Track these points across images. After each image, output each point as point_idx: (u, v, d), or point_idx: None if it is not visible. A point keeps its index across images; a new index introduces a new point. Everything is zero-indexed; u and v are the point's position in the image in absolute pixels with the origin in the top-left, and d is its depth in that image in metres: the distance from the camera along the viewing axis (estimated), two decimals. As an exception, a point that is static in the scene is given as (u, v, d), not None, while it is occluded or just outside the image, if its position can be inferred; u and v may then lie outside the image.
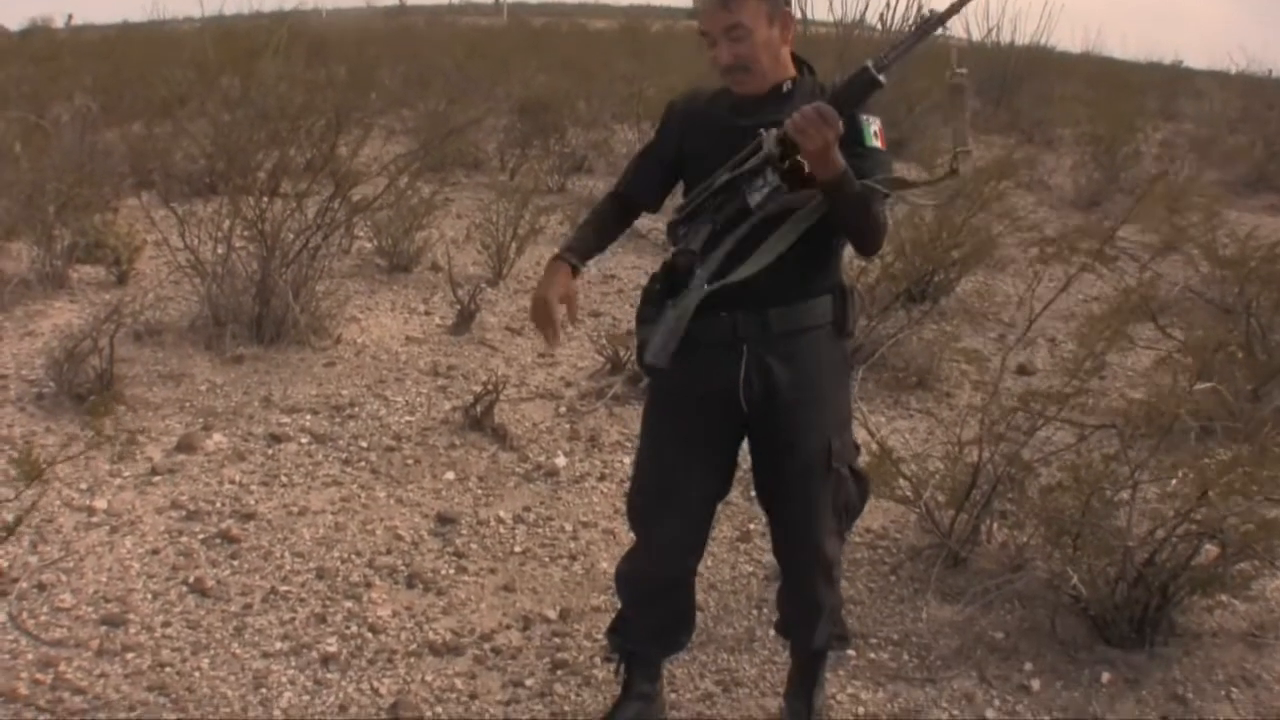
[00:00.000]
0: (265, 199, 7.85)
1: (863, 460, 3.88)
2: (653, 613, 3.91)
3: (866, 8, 13.42)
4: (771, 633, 4.51)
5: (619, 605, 4.06)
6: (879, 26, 14.83)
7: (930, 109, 16.57)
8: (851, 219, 3.38)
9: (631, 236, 3.87)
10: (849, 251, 3.63)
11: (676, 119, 3.69)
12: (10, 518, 4.61)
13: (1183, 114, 22.51)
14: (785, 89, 3.44)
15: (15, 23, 31.05)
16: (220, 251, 7.71)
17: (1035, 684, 4.37)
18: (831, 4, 15.21)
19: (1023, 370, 7.66)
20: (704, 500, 3.78)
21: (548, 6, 52.58)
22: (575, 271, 3.63)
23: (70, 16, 30.93)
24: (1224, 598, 4.79)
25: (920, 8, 14.04)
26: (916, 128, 15.94)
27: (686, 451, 3.66)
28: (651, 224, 3.63)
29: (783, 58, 3.47)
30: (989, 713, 4.22)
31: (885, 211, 3.52)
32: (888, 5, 13.73)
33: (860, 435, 4.04)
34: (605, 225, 3.82)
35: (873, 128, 3.41)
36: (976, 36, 21.10)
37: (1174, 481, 4.63)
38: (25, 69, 15.61)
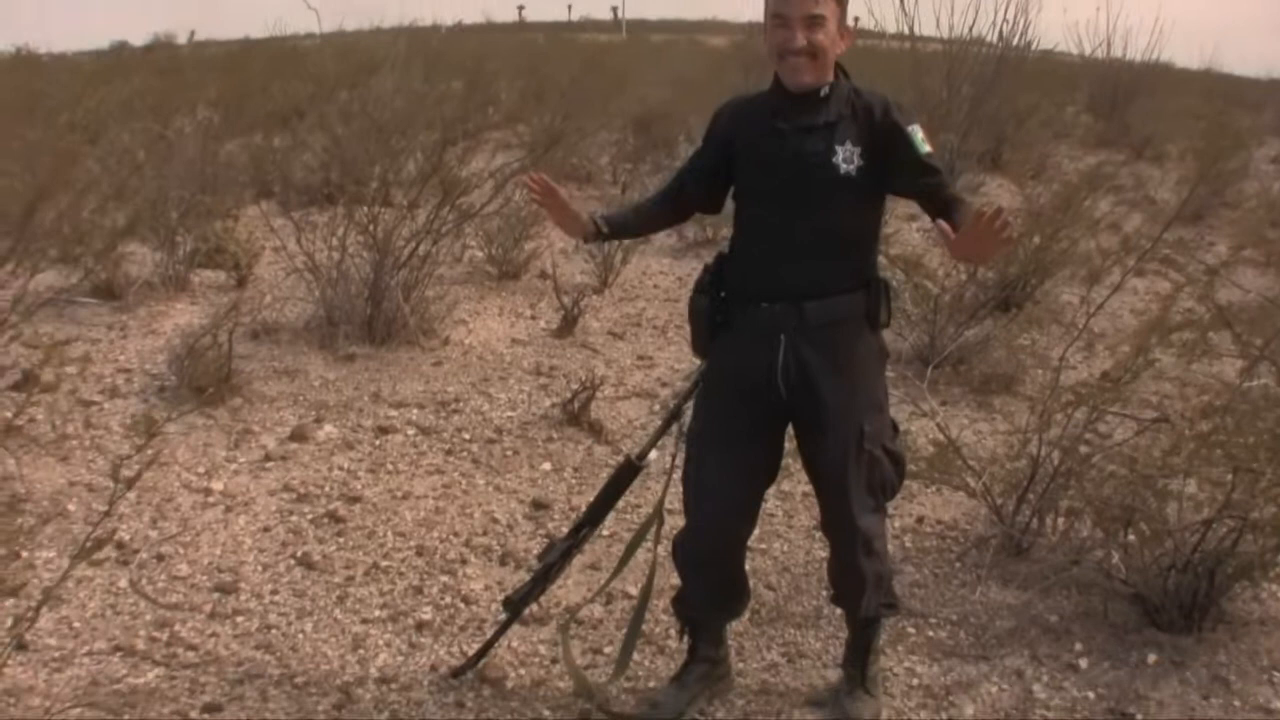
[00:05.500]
0: (378, 207, 8.23)
1: (899, 442, 4.10)
2: (703, 580, 4.18)
3: (975, 20, 12.99)
4: (838, 611, 4.76)
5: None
6: (995, 40, 14.62)
7: (1038, 125, 16.78)
8: None
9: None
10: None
11: (725, 121, 3.97)
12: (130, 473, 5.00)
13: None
14: (823, 93, 3.71)
15: (140, 38, 31.93)
16: (335, 256, 8.11)
17: (1083, 663, 4.59)
18: (938, 20, 15.13)
19: (1105, 376, 7.78)
20: (744, 483, 4.02)
21: (667, 23, 52.90)
22: (596, 227, 4.00)
23: (193, 32, 31.87)
24: (1273, 587, 5.00)
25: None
26: (1024, 142, 16.11)
27: (729, 441, 3.95)
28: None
29: (833, 62, 3.74)
30: (1036, 688, 4.44)
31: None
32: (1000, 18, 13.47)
33: (932, 434, 4.22)
34: (647, 211, 4.18)
35: (919, 134, 3.72)
36: (1088, 51, 21.11)
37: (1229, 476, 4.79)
38: (149, 82, 16.06)
